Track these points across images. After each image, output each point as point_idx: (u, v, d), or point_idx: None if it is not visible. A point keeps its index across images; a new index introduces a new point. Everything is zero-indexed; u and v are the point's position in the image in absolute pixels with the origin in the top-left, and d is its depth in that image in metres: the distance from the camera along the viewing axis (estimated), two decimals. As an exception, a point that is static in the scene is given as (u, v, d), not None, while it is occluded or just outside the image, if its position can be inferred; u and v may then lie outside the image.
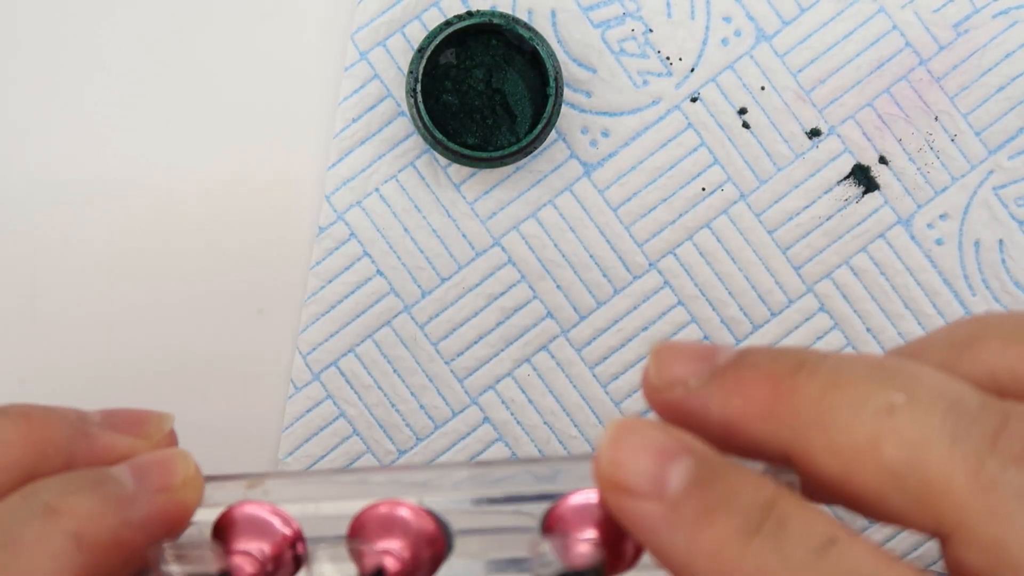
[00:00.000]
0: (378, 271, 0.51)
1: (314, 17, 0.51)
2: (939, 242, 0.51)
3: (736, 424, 0.27)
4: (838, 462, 0.25)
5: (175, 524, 0.30)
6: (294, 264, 0.51)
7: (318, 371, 0.51)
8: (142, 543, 0.29)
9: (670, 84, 0.51)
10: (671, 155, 0.51)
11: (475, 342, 0.51)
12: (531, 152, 0.49)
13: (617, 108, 0.51)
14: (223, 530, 0.29)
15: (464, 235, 0.51)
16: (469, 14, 0.48)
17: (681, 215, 0.51)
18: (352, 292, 0.51)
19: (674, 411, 0.28)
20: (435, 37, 0.48)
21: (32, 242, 0.52)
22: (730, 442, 0.27)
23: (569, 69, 0.51)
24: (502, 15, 0.48)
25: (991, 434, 0.25)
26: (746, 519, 0.25)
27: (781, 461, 0.27)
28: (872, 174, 0.51)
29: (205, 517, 0.30)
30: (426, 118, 0.48)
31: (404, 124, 0.51)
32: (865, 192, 0.51)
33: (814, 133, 0.51)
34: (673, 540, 0.25)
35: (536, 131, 0.48)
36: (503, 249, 0.51)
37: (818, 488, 0.26)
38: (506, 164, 0.49)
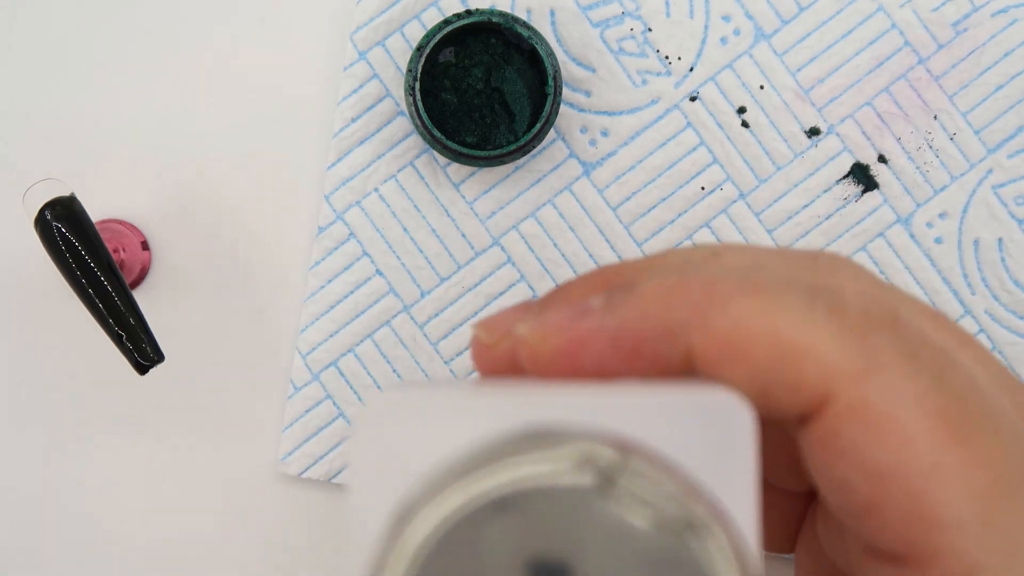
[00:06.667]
0: (377, 271, 0.51)
1: (313, 17, 0.51)
2: (938, 241, 0.51)
3: (637, 334, 0.26)
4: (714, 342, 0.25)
5: None
6: (293, 264, 0.51)
7: (318, 371, 0.51)
8: None
9: (669, 83, 0.51)
10: (670, 154, 0.51)
11: (474, 342, 0.51)
12: (530, 151, 0.49)
13: (616, 107, 0.51)
14: None
15: (463, 234, 0.51)
16: (468, 13, 0.48)
17: (680, 214, 0.51)
18: (351, 292, 0.51)
19: (510, 360, 0.28)
20: (434, 36, 0.48)
21: (34, 241, 0.52)
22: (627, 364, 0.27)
23: (568, 68, 0.51)
24: (501, 14, 0.48)
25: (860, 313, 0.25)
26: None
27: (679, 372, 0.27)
28: (871, 173, 0.51)
29: None
30: (425, 117, 0.48)
31: (403, 124, 0.51)
32: (864, 191, 0.51)
33: (813, 132, 0.51)
34: None
35: (535, 130, 0.48)
36: (502, 248, 0.51)
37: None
38: (505, 163, 0.49)
